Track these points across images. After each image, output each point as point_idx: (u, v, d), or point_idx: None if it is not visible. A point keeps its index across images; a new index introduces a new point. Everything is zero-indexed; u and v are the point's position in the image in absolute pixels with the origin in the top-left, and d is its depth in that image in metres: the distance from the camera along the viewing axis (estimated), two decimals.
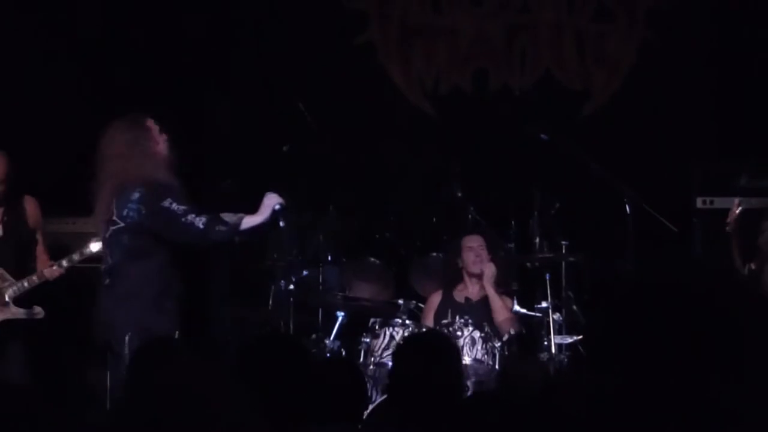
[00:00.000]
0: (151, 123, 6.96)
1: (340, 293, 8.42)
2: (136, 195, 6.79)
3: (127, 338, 6.67)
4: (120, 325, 6.73)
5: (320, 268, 8.39)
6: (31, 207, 7.98)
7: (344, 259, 8.61)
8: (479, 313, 7.93)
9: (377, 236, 8.83)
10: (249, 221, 6.91)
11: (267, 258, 8.43)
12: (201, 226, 6.77)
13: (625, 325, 3.10)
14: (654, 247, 8.20)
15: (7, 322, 7.69)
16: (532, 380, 6.86)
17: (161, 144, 6.96)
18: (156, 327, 6.71)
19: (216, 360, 6.77)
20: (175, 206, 6.78)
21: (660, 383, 2.99)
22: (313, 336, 8.18)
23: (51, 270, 7.70)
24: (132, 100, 8.84)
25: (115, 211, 6.82)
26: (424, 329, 7.75)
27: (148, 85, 9.15)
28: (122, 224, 6.83)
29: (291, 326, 7.99)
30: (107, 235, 6.90)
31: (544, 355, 7.72)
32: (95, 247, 7.34)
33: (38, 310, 7.74)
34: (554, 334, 7.67)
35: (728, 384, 2.48)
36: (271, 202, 6.95)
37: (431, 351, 4.75)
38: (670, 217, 8.40)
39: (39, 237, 7.99)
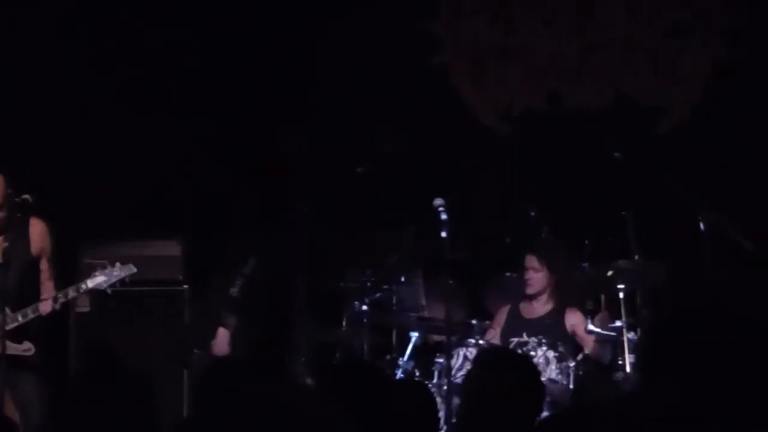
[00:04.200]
0: None
1: (414, 314, 8.43)
2: None
3: None
4: None
5: (394, 289, 8.40)
6: (35, 231, 7.26)
7: (418, 280, 8.61)
8: (553, 332, 7.87)
9: (450, 256, 8.81)
10: None
11: (341, 279, 8.47)
12: None
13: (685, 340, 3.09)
14: (731, 267, 8.13)
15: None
16: (607, 399, 6.82)
17: None
18: None
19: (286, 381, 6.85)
20: None
21: (722, 396, 2.99)
22: (387, 357, 8.20)
23: (44, 304, 7.09)
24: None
25: None
26: (494, 346, 7.68)
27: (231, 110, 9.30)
28: None
29: (365, 347, 8.03)
30: None
31: (618, 375, 7.66)
32: (92, 282, 7.08)
33: (28, 346, 7.15)
34: (629, 353, 7.61)
35: None
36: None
37: (509, 369, 4.64)
38: (750, 235, 8.28)
39: (44, 264, 7.28)
